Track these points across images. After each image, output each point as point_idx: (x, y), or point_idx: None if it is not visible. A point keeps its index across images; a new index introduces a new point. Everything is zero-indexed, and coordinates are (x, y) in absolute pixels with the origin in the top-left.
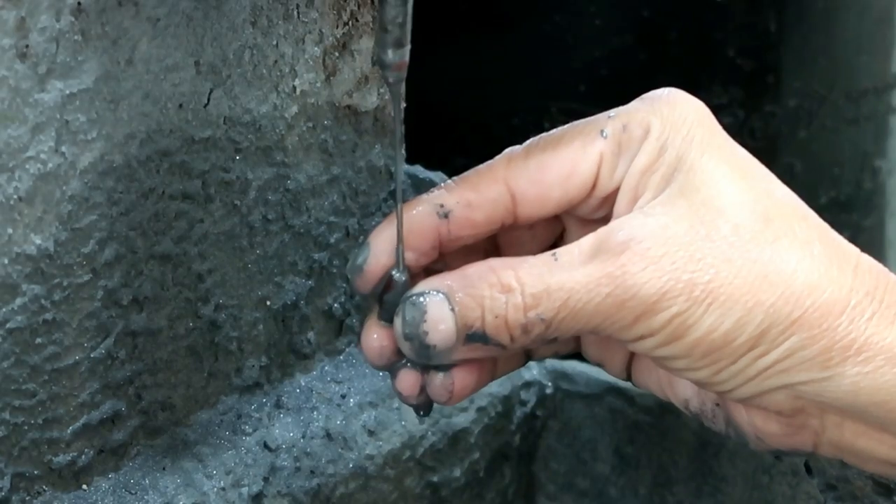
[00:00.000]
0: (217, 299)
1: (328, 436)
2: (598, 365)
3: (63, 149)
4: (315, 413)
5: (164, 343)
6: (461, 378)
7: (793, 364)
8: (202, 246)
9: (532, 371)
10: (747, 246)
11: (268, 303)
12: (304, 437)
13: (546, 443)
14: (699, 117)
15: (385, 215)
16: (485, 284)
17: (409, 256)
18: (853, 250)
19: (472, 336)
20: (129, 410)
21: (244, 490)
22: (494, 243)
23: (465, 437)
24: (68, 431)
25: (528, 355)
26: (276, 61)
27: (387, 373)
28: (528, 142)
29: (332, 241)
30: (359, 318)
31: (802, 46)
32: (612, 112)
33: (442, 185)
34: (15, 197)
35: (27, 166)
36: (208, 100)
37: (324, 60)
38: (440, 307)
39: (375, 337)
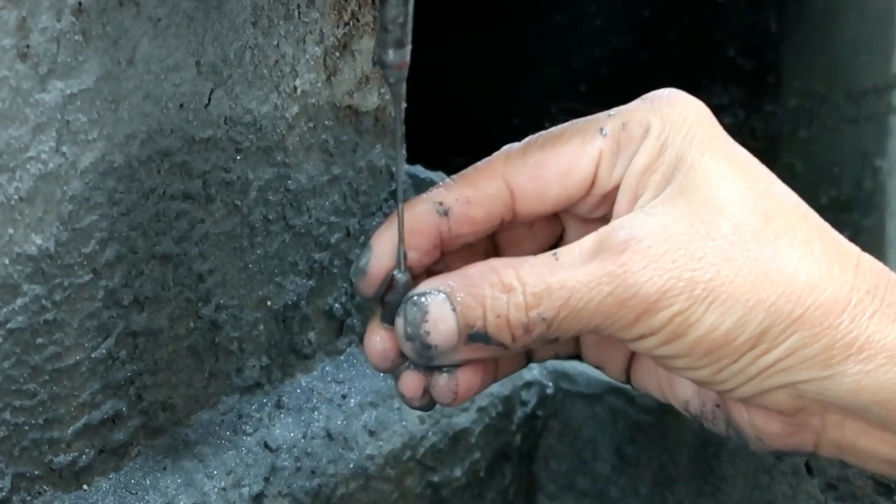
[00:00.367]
0: (218, 299)
1: (329, 436)
2: (598, 367)
3: (64, 149)
4: (316, 413)
5: (164, 343)
6: (465, 379)
7: (794, 363)
8: (203, 246)
9: (533, 371)
10: (748, 245)
11: (268, 303)
12: (304, 437)
13: (547, 443)
14: (699, 117)
15: (386, 215)
16: (486, 284)
17: (411, 256)
18: (854, 249)
19: (474, 336)
20: (129, 410)
21: (245, 490)
22: (495, 244)
23: (466, 437)
24: (69, 431)
25: (528, 357)
26: (276, 61)
27: (389, 374)
28: (526, 139)
29: (332, 241)
30: (360, 318)
31: (803, 46)
32: (612, 111)
33: (441, 183)
34: (16, 197)
35: (28, 166)
36: (209, 100)
37: (324, 60)
38: (441, 307)
39: (378, 340)
